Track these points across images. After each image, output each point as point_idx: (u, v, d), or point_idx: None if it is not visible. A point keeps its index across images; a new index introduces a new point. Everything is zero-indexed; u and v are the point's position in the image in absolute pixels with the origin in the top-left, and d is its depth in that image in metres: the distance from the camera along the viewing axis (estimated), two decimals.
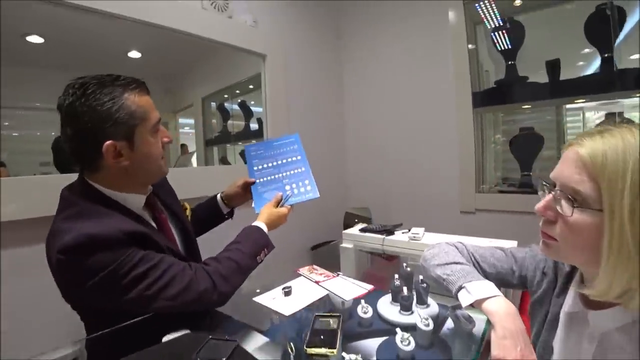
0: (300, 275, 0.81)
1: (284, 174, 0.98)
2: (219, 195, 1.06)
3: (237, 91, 2.00)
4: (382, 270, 1.22)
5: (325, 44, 2.27)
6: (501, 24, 1.82)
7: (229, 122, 1.96)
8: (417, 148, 2.08)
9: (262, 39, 1.78)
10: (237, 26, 1.66)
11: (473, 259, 0.71)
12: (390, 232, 1.11)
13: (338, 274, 0.81)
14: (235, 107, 1.99)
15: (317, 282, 0.76)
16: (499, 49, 1.84)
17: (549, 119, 1.93)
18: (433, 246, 0.75)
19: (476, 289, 0.58)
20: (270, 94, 1.84)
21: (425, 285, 0.86)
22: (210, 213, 1.06)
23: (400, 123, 2.15)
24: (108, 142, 0.63)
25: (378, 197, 2.26)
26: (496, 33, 1.81)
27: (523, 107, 1.90)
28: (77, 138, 0.65)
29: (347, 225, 2.01)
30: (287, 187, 0.96)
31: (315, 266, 0.86)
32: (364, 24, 2.27)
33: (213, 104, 1.91)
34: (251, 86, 1.98)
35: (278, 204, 0.93)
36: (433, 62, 1.98)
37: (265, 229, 0.85)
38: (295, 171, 0.99)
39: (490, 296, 0.56)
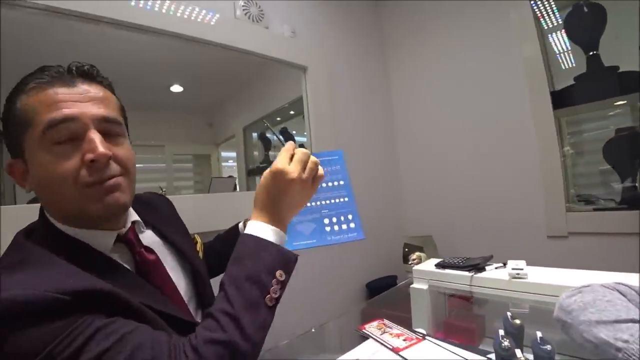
0: (366, 335, 0.59)
1: (324, 203, 0.76)
2: (241, 224, 0.82)
3: (278, 118, 1.92)
4: (466, 318, 0.95)
5: (369, 54, 2.14)
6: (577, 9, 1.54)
7: (271, 152, 1.87)
8: (485, 162, 1.79)
9: (302, 50, 1.69)
10: (274, 37, 1.59)
11: None
12: (479, 268, 0.85)
13: (424, 336, 0.58)
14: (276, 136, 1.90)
15: (396, 351, 0.53)
16: (576, 39, 1.57)
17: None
18: (580, 291, 0.51)
19: None
20: (313, 109, 1.71)
21: (549, 348, 0.61)
22: (231, 247, 0.82)
23: (461, 135, 1.88)
24: (10, 161, 0.50)
25: (440, 222, 1.97)
26: (572, 20, 1.54)
27: (616, 103, 1.57)
28: None
29: (405, 257, 1.75)
30: (326, 221, 0.74)
31: (386, 321, 0.63)
32: (411, 30, 2.11)
33: (254, 135, 1.84)
34: (292, 112, 1.89)
35: (291, 159, 0.54)
36: (496, 65, 1.73)
37: (267, 230, 0.51)
38: (337, 200, 0.76)
39: None
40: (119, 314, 0.43)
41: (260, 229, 0.50)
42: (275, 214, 0.52)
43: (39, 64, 0.51)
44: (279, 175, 0.51)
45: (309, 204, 0.70)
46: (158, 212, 0.70)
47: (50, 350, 0.37)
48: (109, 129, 0.51)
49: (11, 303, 0.37)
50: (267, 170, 0.53)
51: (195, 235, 0.77)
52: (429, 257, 1.72)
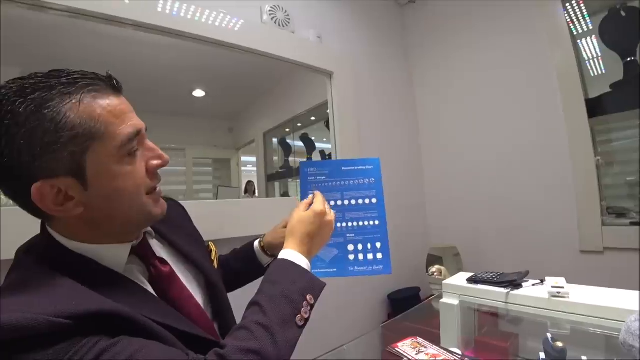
0: (400, 355, 0.55)
1: (350, 225, 0.65)
2: (256, 243, 0.80)
3: (299, 124, 1.91)
4: (499, 336, 0.89)
5: (393, 59, 2.11)
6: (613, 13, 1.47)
7: (291, 158, 1.85)
8: (514, 172, 1.72)
9: (329, 55, 1.67)
10: (300, 42, 1.58)
11: None
12: (516, 284, 0.80)
13: (463, 358, 0.54)
14: (298, 143, 1.89)
15: None
16: (612, 45, 1.49)
17: None
18: None
19: None
20: (338, 115, 1.69)
21: None
22: (246, 265, 0.80)
23: (488, 144, 1.82)
24: (38, 185, 0.41)
25: (466, 232, 1.89)
26: (607, 25, 1.47)
27: None
28: None
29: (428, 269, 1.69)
30: (351, 247, 0.64)
31: (419, 339, 0.59)
32: (437, 36, 2.07)
33: (275, 140, 1.83)
34: (313, 118, 1.87)
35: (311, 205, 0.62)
36: (526, 72, 1.67)
37: (302, 259, 0.55)
38: (367, 224, 0.65)
39: None
40: (127, 332, 0.41)
41: (295, 257, 0.55)
42: (309, 247, 0.58)
43: (62, 67, 0.46)
44: (321, 216, 0.59)
45: None
46: (169, 219, 0.68)
47: None
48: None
49: (10, 328, 0.35)
50: (311, 211, 0.60)
51: (210, 243, 0.74)
52: (448, 268, 1.65)
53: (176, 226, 0.65)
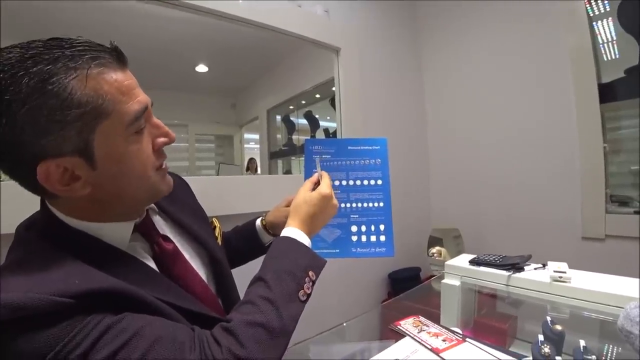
0: (402, 332, 0.56)
1: (354, 206, 0.64)
2: (258, 221, 0.80)
3: (303, 102, 1.87)
4: (498, 317, 0.91)
5: (402, 37, 2.05)
6: None
7: (294, 135, 1.83)
8: (520, 155, 1.70)
9: (336, 31, 1.62)
10: (307, 15, 1.53)
11: None
12: (518, 268, 0.80)
13: (465, 338, 0.54)
14: (302, 120, 1.86)
15: (436, 352, 0.50)
16: (630, 29, 1.44)
17: None
18: None
19: None
20: (344, 92, 1.65)
21: (593, 358, 0.58)
22: (248, 243, 0.80)
23: (495, 126, 1.79)
24: (44, 164, 0.39)
25: (469, 215, 1.90)
26: (627, 7, 1.41)
27: None
28: None
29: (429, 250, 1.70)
30: (354, 228, 0.63)
31: (422, 318, 0.60)
32: (447, 14, 2.00)
33: (278, 117, 1.81)
34: (318, 95, 1.84)
35: (317, 184, 0.62)
36: (537, 53, 1.62)
37: (304, 237, 0.56)
38: (371, 205, 0.64)
39: None
40: (131, 310, 0.41)
41: (298, 235, 0.56)
42: (311, 228, 0.58)
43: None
44: (327, 200, 0.59)
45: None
46: (172, 195, 0.67)
47: (57, 352, 0.35)
48: None
49: (13, 307, 0.35)
50: (317, 193, 0.59)
51: (214, 220, 0.73)
52: (448, 250, 1.67)
53: (180, 202, 0.64)
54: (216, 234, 0.70)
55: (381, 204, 0.64)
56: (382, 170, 0.66)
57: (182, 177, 0.76)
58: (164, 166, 0.52)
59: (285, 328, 0.44)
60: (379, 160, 0.67)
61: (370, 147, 0.68)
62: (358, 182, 0.66)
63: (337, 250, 0.63)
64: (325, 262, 0.56)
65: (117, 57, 0.44)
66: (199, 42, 1.32)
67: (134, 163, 0.45)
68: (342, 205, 0.65)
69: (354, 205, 0.65)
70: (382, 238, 0.62)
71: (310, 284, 0.51)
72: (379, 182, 0.66)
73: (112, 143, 0.43)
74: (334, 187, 0.64)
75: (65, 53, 0.39)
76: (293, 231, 0.56)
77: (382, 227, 0.63)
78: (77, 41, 0.41)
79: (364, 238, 0.63)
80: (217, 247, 0.65)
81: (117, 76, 0.43)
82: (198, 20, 1.21)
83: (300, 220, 0.58)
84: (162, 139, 0.49)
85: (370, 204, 0.64)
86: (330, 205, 0.59)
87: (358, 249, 0.62)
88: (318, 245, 0.62)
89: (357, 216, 0.64)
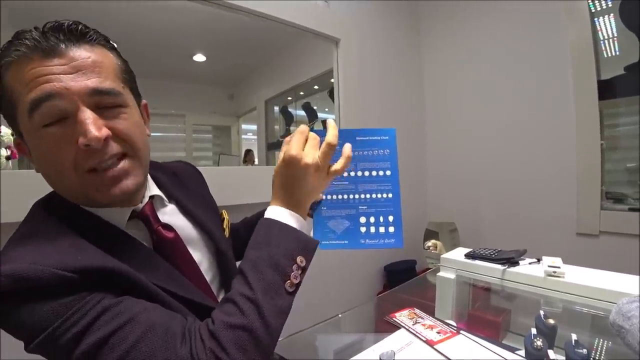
0: (397, 324, 0.56)
1: (363, 197, 0.62)
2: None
3: (301, 93, 1.86)
4: (492, 311, 0.91)
5: (402, 29, 2.03)
6: None
7: (292, 127, 1.83)
8: (518, 150, 1.71)
9: (336, 21, 1.60)
10: (307, 5, 1.51)
11: None
12: (513, 261, 0.81)
13: (459, 331, 0.55)
14: (300, 111, 1.85)
15: (430, 344, 0.50)
16: (631, 25, 1.43)
17: None
18: None
19: None
20: (343, 83, 1.64)
21: (584, 352, 0.59)
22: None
23: (494, 120, 1.80)
24: (17, 139, 0.47)
25: (465, 209, 1.91)
26: (629, 3, 1.41)
27: None
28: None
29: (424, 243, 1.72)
30: (363, 219, 0.62)
31: (417, 310, 0.60)
32: (448, 6, 1.98)
33: (276, 108, 1.79)
34: (316, 86, 1.83)
35: (305, 143, 0.50)
36: (538, 47, 1.61)
37: (287, 216, 0.48)
38: (380, 196, 0.62)
39: None
40: (129, 293, 0.41)
41: (279, 213, 0.48)
42: (291, 200, 0.49)
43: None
44: (294, 161, 0.47)
45: (344, 196, 0.62)
46: (184, 184, 0.66)
47: (55, 328, 0.36)
48: (104, 102, 0.44)
49: (16, 277, 0.36)
50: (281, 157, 0.49)
51: (223, 211, 0.73)
52: (444, 244, 1.68)
53: (191, 191, 0.64)
54: (224, 226, 0.70)
55: (390, 195, 0.63)
56: (390, 161, 0.65)
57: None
58: (107, 172, 0.44)
59: (270, 328, 0.41)
60: (388, 151, 0.66)
61: (379, 138, 0.67)
62: (367, 173, 0.64)
63: (346, 242, 0.62)
64: (317, 243, 0.49)
65: (40, 43, 0.41)
66: (196, 30, 1.30)
67: (46, 160, 0.43)
68: (351, 196, 0.64)
69: (362, 196, 0.63)
70: (391, 229, 0.62)
71: (299, 272, 0.45)
72: (388, 172, 0.65)
73: (28, 136, 0.44)
74: (342, 178, 0.62)
75: (12, 43, 0.42)
76: (273, 210, 0.49)
77: (390, 218, 0.62)
78: (25, 30, 0.42)
79: (372, 229, 0.61)
80: (223, 238, 0.64)
81: (28, 66, 0.40)
82: (196, 8, 1.19)
83: (276, 194, 0.50)
84: (80, 140, 0.41)
85: (379, 195, 0.63)
86: (300, 167, 0.47)
87: (367, 240, 0.61)
88: (327, 237, 0.61)
89: (365, 207, 0.63)
